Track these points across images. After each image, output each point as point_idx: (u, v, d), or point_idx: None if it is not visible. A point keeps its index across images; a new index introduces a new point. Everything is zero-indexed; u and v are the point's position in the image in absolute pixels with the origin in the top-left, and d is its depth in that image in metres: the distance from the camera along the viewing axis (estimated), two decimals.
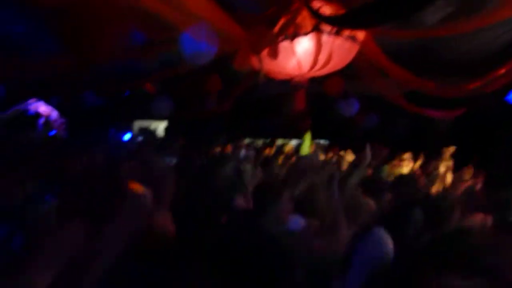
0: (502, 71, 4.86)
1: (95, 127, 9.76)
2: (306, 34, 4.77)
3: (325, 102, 7.90)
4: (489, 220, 2.92)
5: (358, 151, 7.12)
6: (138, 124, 12.62)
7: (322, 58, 5.15)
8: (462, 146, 8.92)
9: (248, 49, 4.87)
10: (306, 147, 6.38)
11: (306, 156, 5.02)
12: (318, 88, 6.77)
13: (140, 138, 12.04)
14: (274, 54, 4.80)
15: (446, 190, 4.47)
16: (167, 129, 12.18)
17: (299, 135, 11.25)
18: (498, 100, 7.57)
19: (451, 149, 5.10)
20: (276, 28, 4.79)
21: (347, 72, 5.94)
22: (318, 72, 5.45)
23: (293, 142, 11.41)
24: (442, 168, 4.96)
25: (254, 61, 5.07)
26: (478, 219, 2.96)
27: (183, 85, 7.63)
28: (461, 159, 7.47)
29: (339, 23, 4.42)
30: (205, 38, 4.43)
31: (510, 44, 5.72)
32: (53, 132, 7.77)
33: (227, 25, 4.55)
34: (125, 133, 12.11)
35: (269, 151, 5.79)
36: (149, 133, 12.70)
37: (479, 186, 4.69)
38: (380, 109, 8.48)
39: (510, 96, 7.62)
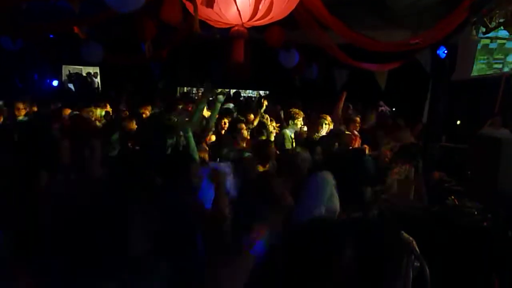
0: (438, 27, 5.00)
1: (15, 72, 8.89)
2: None
3: (266, 52, 7.75)
4: None
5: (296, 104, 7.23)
6: (67, 69, 11.71)
7: (262, 7, 4.95)
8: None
9: None
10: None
11: None
12: (259, 38, 6.58)
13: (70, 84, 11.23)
14: (210, 2, 4.50)
15: None
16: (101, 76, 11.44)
17: (239, 85, 11.10)
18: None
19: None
20: None
21: (288, 23, 5.79)
22: (258, 22, 5.25)
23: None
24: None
25: (189, 9, 4.74)
26: None
27: (115, 31, 7.05)
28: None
29: None
30: None
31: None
32: None
33: None
34: (52, 78, 11.21)
35: None
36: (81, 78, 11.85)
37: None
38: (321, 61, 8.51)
39: (440, 50, 7.98)
